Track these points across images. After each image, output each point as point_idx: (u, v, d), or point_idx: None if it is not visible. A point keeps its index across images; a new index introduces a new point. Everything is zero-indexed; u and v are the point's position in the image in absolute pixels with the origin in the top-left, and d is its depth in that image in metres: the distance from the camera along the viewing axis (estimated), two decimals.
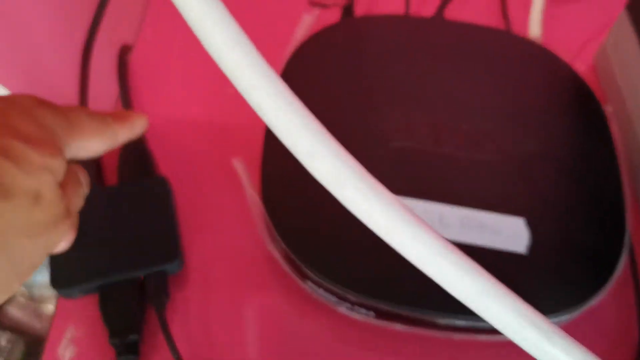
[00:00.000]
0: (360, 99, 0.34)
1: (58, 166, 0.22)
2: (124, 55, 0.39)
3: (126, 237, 0.31)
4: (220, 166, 0.36)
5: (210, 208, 0.34)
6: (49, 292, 0.78)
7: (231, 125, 0.38)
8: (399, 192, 0.31)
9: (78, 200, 0.25)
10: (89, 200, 0.32)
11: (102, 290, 0.30)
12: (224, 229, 0.34)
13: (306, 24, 0.38)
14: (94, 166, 0.34)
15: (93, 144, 0.25)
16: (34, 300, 0.78)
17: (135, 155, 0.35)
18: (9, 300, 0.78)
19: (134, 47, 0.41)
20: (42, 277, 0.78)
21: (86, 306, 0.31)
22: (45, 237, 0.21)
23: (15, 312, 0.77)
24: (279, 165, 0.31)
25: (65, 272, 0.30)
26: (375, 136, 0.33)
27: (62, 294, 0.31)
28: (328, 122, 0.29)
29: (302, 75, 0.35)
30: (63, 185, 0.22)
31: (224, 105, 0.39)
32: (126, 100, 0.37)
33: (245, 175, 0.33)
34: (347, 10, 0.40)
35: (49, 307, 0.78)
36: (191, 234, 0.33)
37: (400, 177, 0.32)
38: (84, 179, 0.26)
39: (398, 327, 0.30)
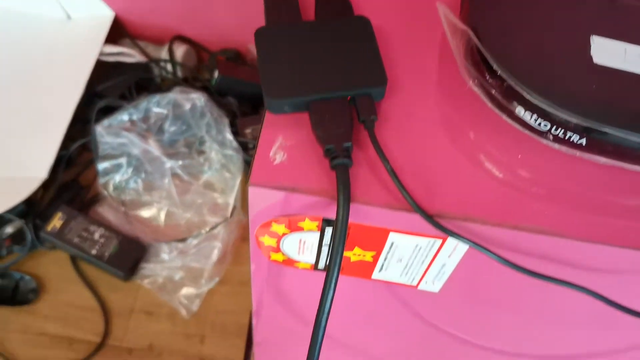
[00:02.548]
0: None
1: None
2: None
3: (334, 61, 0.32)
4: (416, 10, 0.37)
5: (407, 50, 0.35)
6: (141, 199, 0.82)
7: None
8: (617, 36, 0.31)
9: None
10: (297, 30, 0.33)
11: (314, 105, 0.31)
12: (422, 69, 0.35)
13: None
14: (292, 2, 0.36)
15: None
16: (124, 205, 0.81)
17: None
18: (101, 201, 0.81)
19: None
20: (134, 184, 0.81)
21: (294, 121, 0.32)
22: None
23: (107, 214, 0.80)
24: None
25: (278, 84, 0.32)
26: None
27: (273, 108, 0.32)
28: None
29: None
30: None
31: None
32: None
33: (450, 14, 0.33)
34: None
35: (141, 214, 0.81)
36: (390, 70, 0.34)
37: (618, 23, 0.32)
38: None
39: (602, 160, 0.30)
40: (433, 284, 0.38)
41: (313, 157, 0.31)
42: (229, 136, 0.81)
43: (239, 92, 0.90)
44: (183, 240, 0.79)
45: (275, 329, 0.51)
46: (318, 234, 0.33)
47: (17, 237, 0.77)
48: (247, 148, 0.85)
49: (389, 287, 0.39)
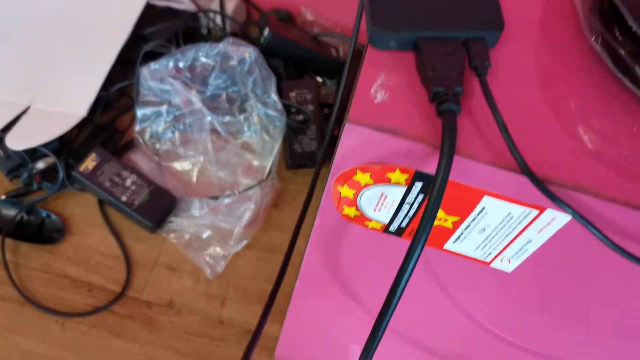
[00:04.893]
0: None
1: None
2: None
3: None
4: None
5: None
6: (176, 151, 0.79)
7: None
8: None
9: None
10: None
11: (424, 44, 0.28)
12: (538, 14, 0.32)
13: None
14: None
15: None
16: (158, 155, 0.79)
17: None
18: (135, 148, 0.79)
19: None
20: (170, 134, 0.79)
21: (397, 60, 0.29)
22: None
23: (139, 161, 0.78)
24: None
25: (387, 15, 0.29)
26: None
27: (377, 42, 0.29)
28: None
29: None
30: None
31: None
32: None
33: None
34: None
35: (174, 166, 0.79)
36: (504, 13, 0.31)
37: None
38: None
39: None
40: (509, 262, 0.35)
41: (416, 99, 0.28)
42: (275, 96, 0.78)
43: (287, 54, 0.87)
44: (215, 197, 0.77)
45: (315, 301, 0.49)
46: (404, 189, 0.31)
47: (48, 174, 0.75)
48: (290, 112, 0.82)
49: (456, 261, 0.36)
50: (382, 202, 0.32)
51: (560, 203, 0.27)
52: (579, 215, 0.28)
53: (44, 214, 0.73)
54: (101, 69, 0.77)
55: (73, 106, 0.73)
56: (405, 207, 0.32)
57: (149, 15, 0.84)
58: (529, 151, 0.28)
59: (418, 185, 0.30)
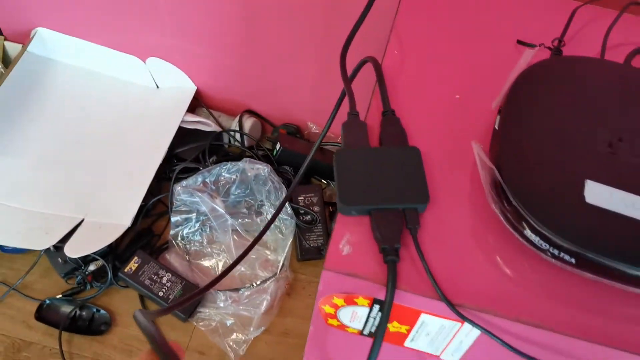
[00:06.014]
0: (574, 120, 0.46)
1: None
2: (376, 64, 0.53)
3: (391, 180, 0.44)
4: (457, 145, 0.48)
5: (448, 174, 0.47)
6: (203, 250, 0.93)
7: (465, 118, 0.50)
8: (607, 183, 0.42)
9: None
10: (365, 154, 0.45)
11: (374, 213, 0.43)
12: (458, 190, 0.46)
13: (526, 56, 0.50)
14: (362, 133, 0.48)
15: None
16: (189, 254, 0.93)
17: (393, 128, 0.48)
18: (169, 249, 0.93)
19: (385, 56, 0.55)
20: (199, 237, 0.93)
21: (357, 223, 0.43)
22: None
23: (173, 261, 0.92)
24: (513, 148, 0.43)
25: (349, 195, 0.43)
26: (589, 145, 0.44)
27: (344, 211, 0.43)
28: (554, 132, 0.40)
29: (525, 97, 0.47)
30: None
31: (454, 104, 0.51)
32: (384, 97, 0.51)
33: (482, 154, 0.45)
34: (557, 51, 0.53)
35: (202, 264, 0.93)
36: (433, 189, 0.45)
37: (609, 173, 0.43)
38: None
39: (588, 275, 0.40)
40: (452, 355, 0.48)
41: (370, 251, 0.42)
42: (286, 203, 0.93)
43: (296, 163, 1.03)
44: (236, 290, 0.90)
45: None
46: (368, 309, 0.44)
47: (98, 274, 0.90)
48: (299, 214, 0.97)
49: (416, 355, 0.49)
50: (354, 316, 0.46)
51: (469, 321, 0.40)
52: (481, 328, 0.41)
53: (94, 309, 0.87)
54: (142, 184, 0.93)
55: (119, 218, 0.89)
56: (371, 319, 0.46)
57: (180, 136, 1.00)
58: (449, 284, 0.41)
59: (376, 307, 0.44)
